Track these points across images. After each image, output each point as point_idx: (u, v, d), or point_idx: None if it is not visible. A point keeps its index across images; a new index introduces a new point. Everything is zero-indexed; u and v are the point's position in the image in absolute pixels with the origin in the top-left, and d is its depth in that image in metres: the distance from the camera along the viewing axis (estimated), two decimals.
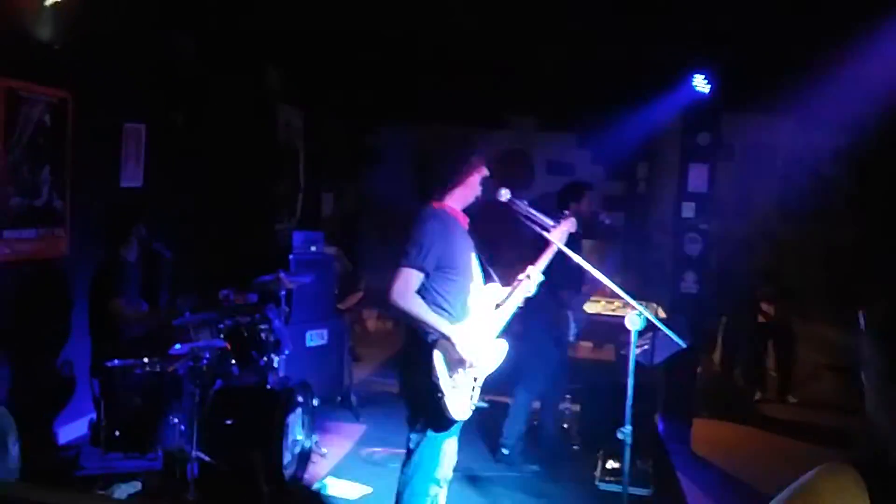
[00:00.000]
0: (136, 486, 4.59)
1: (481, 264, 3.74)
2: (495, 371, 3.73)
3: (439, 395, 3.37)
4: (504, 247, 6.00)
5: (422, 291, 3.45)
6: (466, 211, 3.76)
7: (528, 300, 5.16)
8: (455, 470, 3.93)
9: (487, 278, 3.75)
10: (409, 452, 3.61)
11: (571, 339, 5.83)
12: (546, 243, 3.89)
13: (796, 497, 1.24)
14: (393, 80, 8.81)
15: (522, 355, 5.83)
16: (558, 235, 3.86)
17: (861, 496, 1.19)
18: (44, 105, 5.22)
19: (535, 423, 5.91)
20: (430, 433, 3.54)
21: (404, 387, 3.69)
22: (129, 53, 5.92)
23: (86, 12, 5.24)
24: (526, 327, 5.71)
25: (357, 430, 6.26)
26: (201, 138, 6.93)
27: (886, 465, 1.24)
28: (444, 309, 3.48)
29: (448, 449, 3.63)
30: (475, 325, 3.56)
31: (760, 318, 7.82)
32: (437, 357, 3.39)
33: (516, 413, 5.70)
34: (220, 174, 7.19)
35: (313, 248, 6.90)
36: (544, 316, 5.54)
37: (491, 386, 4.19)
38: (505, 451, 5.66)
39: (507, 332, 3.87)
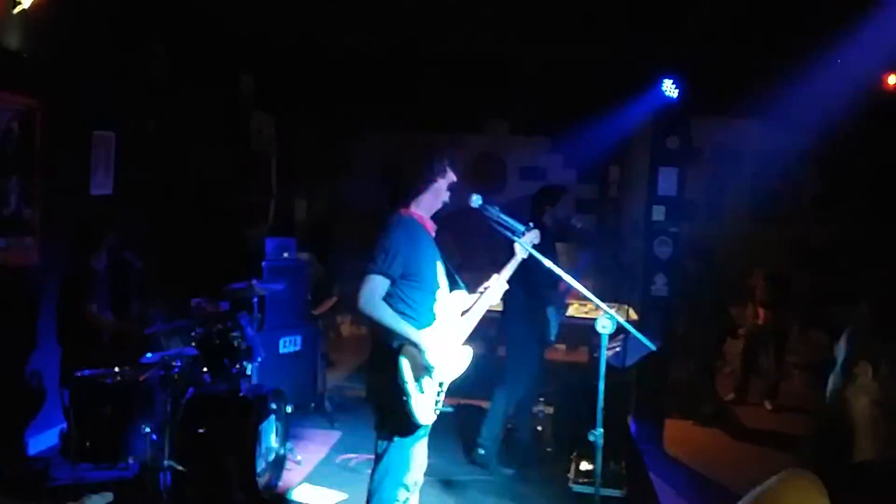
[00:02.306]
0: (107, 496, 4.56)
1: (448, 271, 3.77)
2: (466, 375, 3.76)
3: (405, 399, 3.40)
4: (479, 251, 6.05)
5: (388, 298, 3.48)
6: (438, 216, 3.78)
7: (508, 303, 5.18)
8: (429, 474, 3.95)
9: (454, 285, 3.77)
10: (378, 458, 3.63)
11: (552, 338, 5.86)
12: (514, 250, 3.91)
13: (758, 502, 1.27)
14: (366, 86, 8.82)
15: (505, 357, 5.88)
16: (525, 242, 3.87)
17: (821, 500, 1.22)
18: (12, 113, 5.17)
19: (510, 426, 5.94)
20: (396, 438, 3.56)
21: (371, 392, 3.73)
22: (99, 61, 5.88)
23: (55, 20, 5.21)
24: (507, 330, 5.73)
25: (332, 436, 6.24)
26: (173, 145, 6.90)
27: (845, 468, 1.28)
28: (409, 315, 3.51)
29: (416, 453, 3.66)
30: (441, 331, 3.58)
31: (759, 322, 7.87)
32: (403, 362, 3.42)
33: (495, 414, 5.70)
34: (191, 181, 7.15)
35: (286, 255, 6.87)
36: (525, 317, 5.58)
37: (464, 390, 4.21)
38: (481, 452, 5.67)
39: (482, 336, 3.88)
